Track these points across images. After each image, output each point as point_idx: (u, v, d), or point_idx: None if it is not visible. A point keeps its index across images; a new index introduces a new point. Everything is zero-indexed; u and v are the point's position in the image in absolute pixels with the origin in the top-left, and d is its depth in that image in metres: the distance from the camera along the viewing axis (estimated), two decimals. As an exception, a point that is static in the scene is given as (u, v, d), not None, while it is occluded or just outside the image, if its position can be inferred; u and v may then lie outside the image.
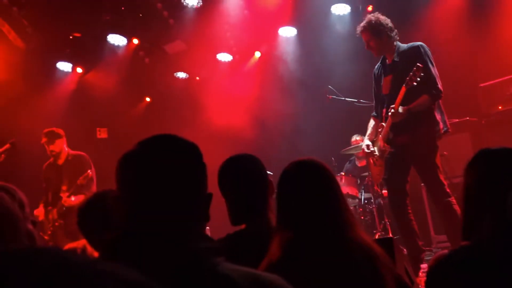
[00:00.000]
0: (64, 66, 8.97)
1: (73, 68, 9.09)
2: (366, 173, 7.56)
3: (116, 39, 8.78)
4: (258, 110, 9.54)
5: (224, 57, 9.72)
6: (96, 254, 2.79)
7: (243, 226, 2.62)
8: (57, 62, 8.89)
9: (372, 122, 5.66)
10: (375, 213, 7.36)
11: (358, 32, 5.46)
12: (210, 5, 8.25)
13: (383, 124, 5.31)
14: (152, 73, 9.65)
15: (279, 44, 9.43)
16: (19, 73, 7.98)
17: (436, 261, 1.91)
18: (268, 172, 2.97)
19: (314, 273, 1.97)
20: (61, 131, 6.75)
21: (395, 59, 5.34)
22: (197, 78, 10.26)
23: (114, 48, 8.86)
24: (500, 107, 6.34)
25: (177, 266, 1.31)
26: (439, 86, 5.12)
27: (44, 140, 6.64)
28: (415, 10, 8.10)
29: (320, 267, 2.00)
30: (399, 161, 5.25)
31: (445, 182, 5.16)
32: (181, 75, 10.13)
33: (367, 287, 2.03)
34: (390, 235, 7.01)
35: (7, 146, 6.16)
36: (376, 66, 5.64)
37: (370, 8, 8.04)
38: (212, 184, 1.93)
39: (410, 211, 5.41)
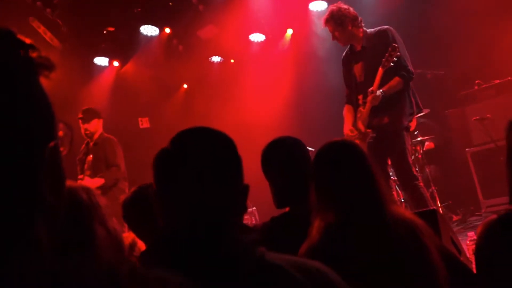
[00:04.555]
0: (101, 61, 9.13)
1: (110, 62, 9.24)
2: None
3: (149, 30, 8.87)
4: (295, 89, 9.52)
5: (257, 37, 9.71)
6: (143, 247, 2.87)
7: (287, 209, 2.66)
8: (94, 57, 9.06)
9: (347, 110, 5.66)
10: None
11: (322, 24, 5.55)
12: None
13: (361, 110, 5.34)
14: (187, 60, 9.72)
15: (310, 19, 9.35)
16: (58, 72, 8.14)
17: (485, 226, 1.90)
18: (309, 148, 3.00)
19: (357, 253, 1.99)
20: (99, 112, 6.53)
21: (364, 45, 5.38)
22: (232, 60, 10.28)
23: (147, 38, 8.96)
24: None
25: (226, 259, 1.34)
26: (410, 68, 5.19)
27: (80, 116, 6.41)
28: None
29: (363, 246, 2.02)
30: (379, 144, 5.28)
31: (413, 166, 5.29)
32: (216, 59, 10.17)
33: (412, 261, 2.04)
34: (438, 204, 6.97)
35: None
36: (343, 54, 5.68)
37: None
38: (252, 169, 1.96)
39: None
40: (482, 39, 7.50)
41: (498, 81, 6.72)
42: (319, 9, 9.20)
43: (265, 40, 9.75)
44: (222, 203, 1.48)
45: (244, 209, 1.55)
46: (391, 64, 4.99)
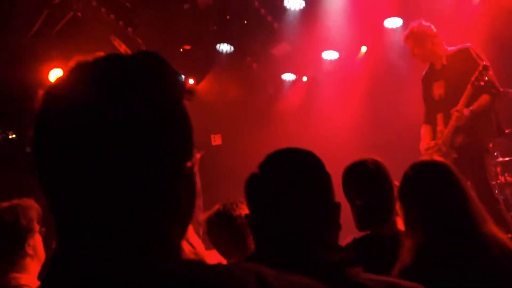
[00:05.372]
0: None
1: (186, 79, 9.46)
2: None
3: (224, 48, 9.03)
4: (371, 107, 9.41)
5: (330, 55, 9.69)
6: (224, 262, 2.90)
7: (368, 231, 2.62)
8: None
9: (425, 129, 5.50)
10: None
11: (402, 41, 5.56)
12: (313, 5, 8.26)
13: (442, 129, 5.17)
14: (260, 77, 9.83)
15: (385, 36, 9.24)
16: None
17: None
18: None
19: (451, 274, 1.94)
20: None
21: (445, 64, 5.27)
22: (305, 78, 10.30)
23: (222, 56, 9.12)
24: None
25: (318, 279, 1.34)
26: (497, 84, 5.04)
27: None
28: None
29: (457, 268, 1.97)
30: (460, 165, 5.08)
31: (495, 188, 5.16)
32: (289, 77, 10.22)
33: (507, 283, 1.97)
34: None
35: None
36: (424, 73, 5.58)
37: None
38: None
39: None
40: None
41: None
42: (394, 26, 9.09)
43: (338, 58, 9.72)
44: (312, 224, 1.48)
45: (336, 228, 1.54)
46: (481, 83, 4.84)
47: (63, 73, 0.97)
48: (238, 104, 10.08)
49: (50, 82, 8.15)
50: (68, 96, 0.90)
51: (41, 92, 0.95)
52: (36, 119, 0.92)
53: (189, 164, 0.93)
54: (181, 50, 8.99)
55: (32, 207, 2.53)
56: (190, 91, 0.99)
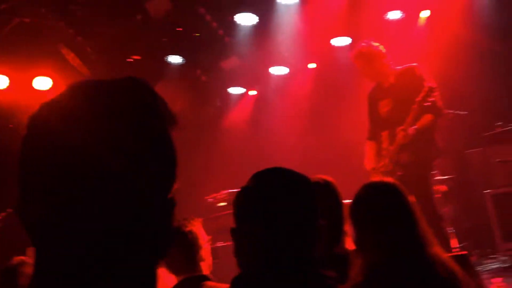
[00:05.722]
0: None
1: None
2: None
3: (174, 59, 9.02)
4: (318, 123, 9.58)
5: (279, 70, 9.83)
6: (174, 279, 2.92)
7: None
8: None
9: (369, 146, 5.67)
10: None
11: (351, 60, 5.67)
12: (264, 21, 8.37)
13: (388, 147, 5.35)
14: (208, 90, 9.87)
15: (333, 54, 9.45)
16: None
17: None
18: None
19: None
20: None
21: (392, 82, 5.43)
22: (253, 92, 10.41)
23: (172, 68, 9.10)
24: None
25: None
26: (441, 105, 5.25)
27: None
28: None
29: (405, 285, 2.06)
30: (405, 183, 5.27)
31: (437, 205, 5.39)
32: (237, 90, 10.29)
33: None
34: (455, 244, 6.92)
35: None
36: (371, 90, 5.72)
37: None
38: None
39: None
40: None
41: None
42: (343, 44, 9.30)
43: (287, 73, 9.86)
44: (298, 241, 1.54)
45: (321, 246, 1.60)
46: (427, 104, 4.99)
47: (49, 100, 0.95)
48: (185, 116, 10.05)
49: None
50: (54, 125, 0.90)
51: (27, 119, 0.94)
52: (21, 149, 0.92)
53: (169, 196, 0.93)
54: (131, 60, 8.92)
55: None
56: (178, 122, 0.98)
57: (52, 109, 0.93)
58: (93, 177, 0.86)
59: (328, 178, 2.81)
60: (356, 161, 6.60)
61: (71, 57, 7.80)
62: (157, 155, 0.91)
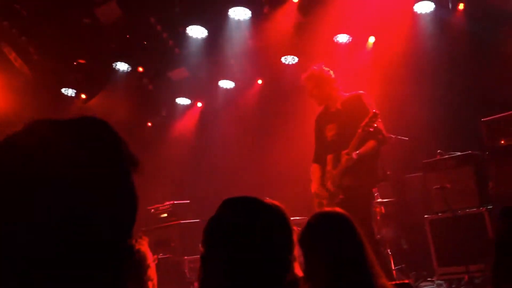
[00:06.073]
0: (68, 92, 9.05)
1: (77, 94, 9.15)
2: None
3: (121, 66, 8.87)
4: (262, 139, 9.63)
5: (227, 84, 9.84)
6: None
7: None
8: (61, 88, 8.96)
9: (315, 169, 5.76)
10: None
11: (302, 81, 5.71)
12: (215, 35, 8.36)
13: (331, 170, 5.46)
14: (154, 99, 9.77)
15: (280, 72, 9.53)
16: (24, 99, 8.05)
17: None
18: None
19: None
20: None
21: (339, 108, 5.56)
22: (199, 104, 10.37)
23: (119, 74, 8.95)
24: (503, 142, 6.45)
25: None
26: (384, 131, 5.38)
27: None
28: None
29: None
30: (347, 205, 5.40)
31: (376, 231, 5.50)
32: (184, 101, 10.23)
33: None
34: (392, 266, 7.07)
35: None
36: (318, 114, 5.83)
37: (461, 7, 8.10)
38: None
39: None
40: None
41: (460, 153, 6.96)
42: (290, 63, 9.41)
43: (234, 87, 9.88)
44: (265, 269, 1.54)
45: (290, 275, 1.60)
46: (371, 129, 5.10)
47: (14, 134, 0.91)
48: (130, 124, 9.89)
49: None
50: (10, 165, 0.86)
51: None
52: None
53: (128, 242, 0.90)
54: (75, 63, 8.71)
55: None
56: (139, 164, 0.94)
57: (8, 149, 0.89)
58: (51, 222, 0.82)
59: (278, 203, 2.80)
60: (301, 179, 6.66)
61: (12, 56, 7.55)
62: (118, 199, 0.88)
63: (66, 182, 0.83)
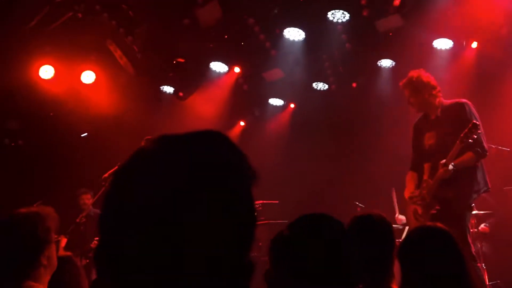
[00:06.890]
0: (167, 89, 9.37)
1: (176, 92, 9.44)
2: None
3: (218, 66, 9.07)
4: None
5: (320, 86, 9.81)
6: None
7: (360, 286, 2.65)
8: (160, 85, 9.30)
9: (411, 176, 5.59)
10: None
11: (400, 87, 5.53)
12: (312, 37, 8.35)
13: (428, 180, 5.26)
14: (248, 99, 9.92)
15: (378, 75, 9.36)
16: (127, 96, 8.44)
17: None
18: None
19: None
20: None
21: (439, 115, 5.35)
22: (292, 105, 10.44)
23: (215, 74, 9.15)
24: None
25: None
26: (485, 144, 5.14)
27: None
28: None
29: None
30: (442, 218, 5.15)
31: (472, 245, 5.22)
32: (277, 102, 10.32)
33: None
34: (486, 281, 6.79)
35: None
36: (417, 120, 5.65)
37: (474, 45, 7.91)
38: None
39: None
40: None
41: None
42: (386, 66, 9.21)
43: (327, 89, 9.84)
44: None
45: None
46: (470, 140, 4.92)
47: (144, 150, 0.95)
48: (223, 122, 10.09)
49: (40, 78, 8.01)
50: (139, 181, 0.89)
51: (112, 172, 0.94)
52: (105, 198, 0.92)
53: (247, 257, 0.91)
54: (174, 62, 8.97)
55: (51, 217, 2.43)
56: (258, 176, 0.95)
57: (137, 163, 0.93)
58: (171, 235, 0.85)
59: (381, 213, 2.76)
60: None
61: (118, 54, 7.89)
62: (237, 216, 0.89)
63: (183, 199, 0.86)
